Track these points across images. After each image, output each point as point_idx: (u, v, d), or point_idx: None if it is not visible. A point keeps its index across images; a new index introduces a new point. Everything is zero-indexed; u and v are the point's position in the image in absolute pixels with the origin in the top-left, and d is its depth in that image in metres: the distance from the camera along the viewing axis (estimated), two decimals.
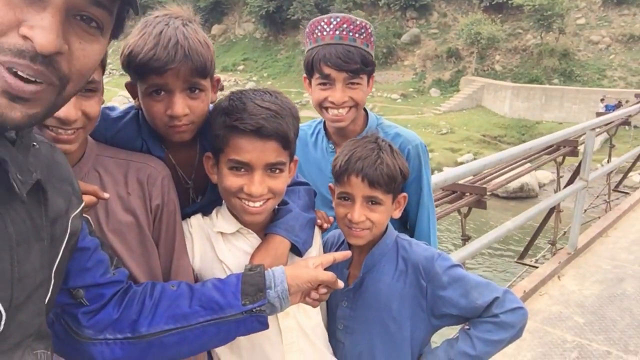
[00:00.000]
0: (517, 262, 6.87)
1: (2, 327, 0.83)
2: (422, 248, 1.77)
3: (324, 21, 1.99)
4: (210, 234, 1.62)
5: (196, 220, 1.63)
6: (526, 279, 5.27)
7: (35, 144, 0.99)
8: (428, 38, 38.95)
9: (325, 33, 1.97)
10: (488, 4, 37.67)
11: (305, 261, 1.52)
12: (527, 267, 6.46)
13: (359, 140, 1.78)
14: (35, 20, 0.78)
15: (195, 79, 1.51)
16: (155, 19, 1.54)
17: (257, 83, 37.91)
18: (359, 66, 1.94)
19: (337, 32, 1.95)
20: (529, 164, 5.75)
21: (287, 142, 1.51)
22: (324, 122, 2.20)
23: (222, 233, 1.61)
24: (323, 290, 1.48)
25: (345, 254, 1.61)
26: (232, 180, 1.51)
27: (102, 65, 1.39)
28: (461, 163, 19.80)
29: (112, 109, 1.68)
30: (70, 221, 1.07)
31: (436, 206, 3.52)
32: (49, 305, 1.00)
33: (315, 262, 1.50)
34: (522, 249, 7.20)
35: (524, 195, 18.16)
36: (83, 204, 1.16)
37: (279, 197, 1.59)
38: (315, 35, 2.00)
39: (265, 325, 1.38)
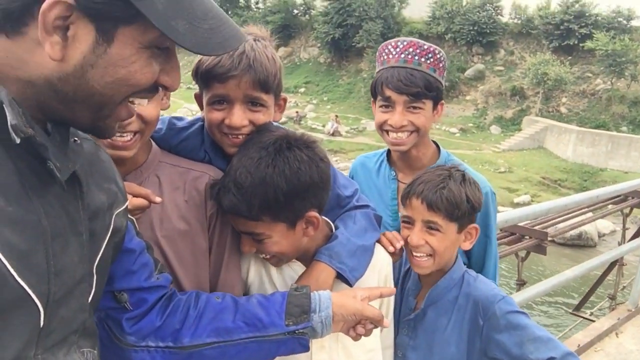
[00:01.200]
0: (572, 314, 6.53)
1: (42, 322, 0.82)
2: (487, 286, 1.71)
3: (391, 44, 1.99)
4: None
5: None
6: (581, 332, 5.01)
7: (77, 139, 1.01)
8: (493, 74, 38.40)
9: (391, 56, 1.96)
10: (558, 45, 36.86)
11: (353, 291, 1.48)
12: (583, 319, 6.13)
13: (431, 169, 1.78)
14: (168, 69, 0.95)
15: (257, 92, 1.52)
16: None
17: (316, 106, 38.34)
18: (420, 90, 1.90)
19: (402, 56, 1.93)
20: (590, 213, 5.50)
21: None
22: (388, 150, 2.18)
23: None
24: (370, 326, 1.44)
25: (391, 290, 1.59)
26: None
27: None
28: (518, 204, 19.23)
29: (179, 119, 1.72)
30: (113, 217, 1.07)
31: None
32: (93, 302, 1.00)
33: (362, 295, 1.45)
34: (578, 299, 6.86)
35: (581, 244, 17.40)
36: (127, 202, 1.18)
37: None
38: (382, 58, 2.00)
39: (306, 348, 1.36)
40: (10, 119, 0.76)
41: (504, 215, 3.34)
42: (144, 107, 1.34)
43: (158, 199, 1.42)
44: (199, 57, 1.57)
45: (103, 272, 1.05)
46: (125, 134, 1.34)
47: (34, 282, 0.80)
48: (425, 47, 1.95)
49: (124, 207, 1.14)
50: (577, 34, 35.91)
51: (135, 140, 1.37)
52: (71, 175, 0.88)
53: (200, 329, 1.31)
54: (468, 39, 39.03)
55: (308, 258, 1.60)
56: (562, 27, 36.42)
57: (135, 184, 1.41)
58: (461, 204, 1.66)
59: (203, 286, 1.50)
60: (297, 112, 34.36)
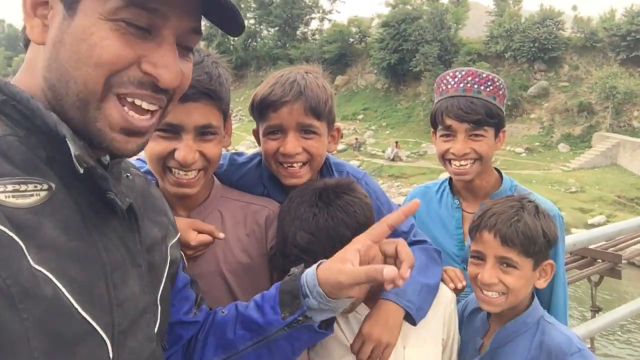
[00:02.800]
0: None
1: (111, 354, 0.84)
2: (563, 336, 1.57)
3: (449, 75, 2.01)
4: None
5: None
6: None
7: (129, 175, 1.05)
8: (557, 91, 37.21)
9: (449, 86, 1.98)
10: (625, 57, 35.39)
11: (343, 252, 1.19)
12: None
13: (501, 199, 1.70)
14: (155, 57, 0.85)
15: (309, 119, 1.58)
16: (284, 70, 1.68)
17: (375, 132, 38.36)
18: (481, 117, 1.91)
19: (462, 85, 1.95)
20: None
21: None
22: (450, 179, 2.16)
23: None
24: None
25: (410, 206, 1.21)
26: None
27: (224, 112, 1.48)
28: (592, 225, 18.33)
29: (239, 154, 1.80)
30: (168, 249, 1.11)
31: None
32: (160, 332, 1.02)
33: (362, 247, 1.18)
34: None
35: None
36: (179, 235, 1.22)
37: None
38: (440, 89, 2.02)
39: (322, 334, 1.23)
40: (73, 150, 0.79)
41: (572, 238, 3.20)
42: (206, 145, 1.42)
43: (221, 235, 1.48)
44: None
45: (166, 302, 1.08)
46: (189, 172, 1.41)
47: (98, 314, 0.82)
48: (484, 75, 1.96)
49: (176, 239, 1.18)
50: None
51: (199, 178, 1.44)
52: (127, 208, 0.91)
53: (208, 349, 1.28)
54: (529, 56, 38.14)
55: (370, 297, 1.55)
56: (628, 38, 35.00)
57: (199, 221, 1.48)
58: (537, 239, 1.55)
59: None
60: (356, 138, 34.49)
